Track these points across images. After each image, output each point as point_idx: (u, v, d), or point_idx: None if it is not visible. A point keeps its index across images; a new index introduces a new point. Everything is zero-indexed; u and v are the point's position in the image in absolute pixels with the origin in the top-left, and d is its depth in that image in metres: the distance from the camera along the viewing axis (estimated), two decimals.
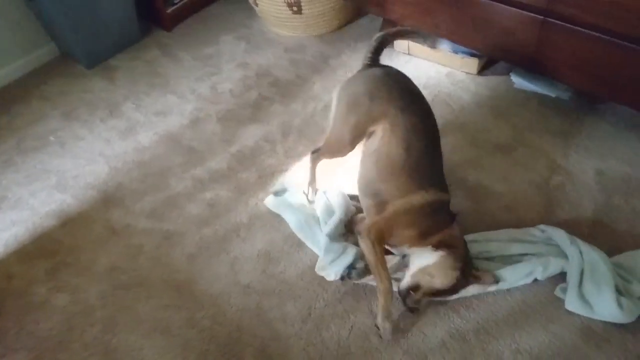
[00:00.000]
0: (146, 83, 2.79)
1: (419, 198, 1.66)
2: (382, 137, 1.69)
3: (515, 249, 1.84)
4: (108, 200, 2.19)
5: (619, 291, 1.69)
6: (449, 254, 1.65)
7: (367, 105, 1.73)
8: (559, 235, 1.82)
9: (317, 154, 1.98)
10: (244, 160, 2.31)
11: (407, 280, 1.68)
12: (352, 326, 1.72)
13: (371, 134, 1.75)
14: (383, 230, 1.68)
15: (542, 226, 1.88)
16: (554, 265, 1.77)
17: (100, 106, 2.67)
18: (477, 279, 1.73)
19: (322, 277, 1.85)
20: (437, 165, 1.74)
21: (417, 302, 1.69)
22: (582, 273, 1.73)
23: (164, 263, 1.96)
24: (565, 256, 1.79)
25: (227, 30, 3.10)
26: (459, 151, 2.23)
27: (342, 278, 1.80)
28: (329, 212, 1.97)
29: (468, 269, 1.69)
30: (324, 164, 2.03)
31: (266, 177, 2.22)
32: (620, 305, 1.65)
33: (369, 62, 1.88)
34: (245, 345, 1.70)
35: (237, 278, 1.89)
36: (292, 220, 2.01)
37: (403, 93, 1.74)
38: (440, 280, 1.65)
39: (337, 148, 1.86)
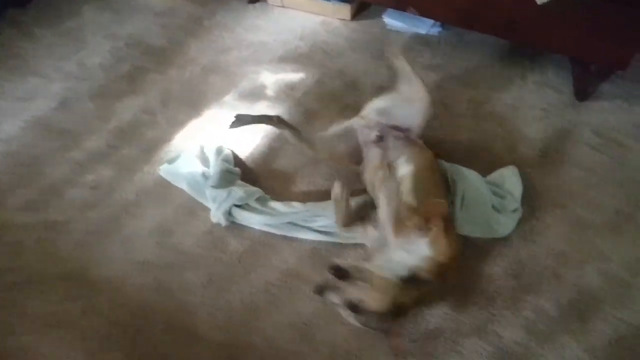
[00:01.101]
0: (4, 67, 2.53)
1: None
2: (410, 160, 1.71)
3: None
4: None
5: (495, 209, 1.83)
6: None
7: None
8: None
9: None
10: (124, 135, 2.19)
11: None
12: (253, 283, 1.74)
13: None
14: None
15: None
16: None
17: None
18: None
19: (220, 241, 1.84)
20: None
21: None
22: (463, 197, 1.85)
23: (50, 255, 1.84)
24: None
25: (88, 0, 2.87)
26: (340, 98, 2.26)
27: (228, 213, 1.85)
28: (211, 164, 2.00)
29: None
30: (203, 121, 2.07)
31: (150, 149, 2.13)
32: (498, 223, 1.80)
33: None
34: (150, 322, 1.67)
35: (132, 256, 1.83)
36: (186, 185, 1.97)
37: None
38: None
39: None
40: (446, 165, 1.92)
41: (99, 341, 1.64)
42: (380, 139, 1.80)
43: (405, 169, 1.70)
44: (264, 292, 1.72)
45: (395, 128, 1.81)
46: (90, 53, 2.56)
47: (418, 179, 1.67)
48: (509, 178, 1.94)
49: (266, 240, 1.83)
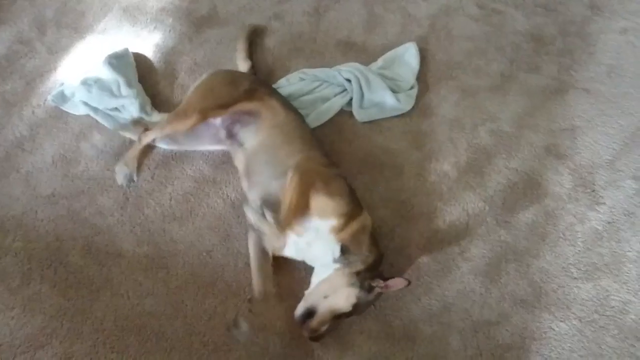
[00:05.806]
0: None
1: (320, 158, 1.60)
2: (264, 125, 1.65)
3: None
4: None
5: (393, 90, 1.92)
6: (343, 267, 1.45)
7: (245, 85, 1.71)
8: (325, 73, 1.96)
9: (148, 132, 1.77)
10: (2, 70, 2.02)
11: (300, 305, 1.45)
12: (170, 194, 1.74)
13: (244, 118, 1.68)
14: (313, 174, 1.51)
15: (305, 70, 1.98)
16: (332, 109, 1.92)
17: None
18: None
19: None
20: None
21: (316, 330, 1.43)
22: (361, 90, 1.91)
23: None
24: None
25: None
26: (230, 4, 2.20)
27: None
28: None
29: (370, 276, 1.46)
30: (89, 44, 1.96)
31: (34, 81, 1.98)
32: (398, 100, 1.89)
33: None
34: (68, 250, 1.64)
35: (37, 192, 1.75)
36: (82, 109, 1.89)
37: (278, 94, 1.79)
38: (337, 302, 1.42)
39: (183, 116, 1.69)
40: (329, 72, 1.95)
41: (19, 278, 1.60)
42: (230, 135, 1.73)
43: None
44: (183, 202, 1.73)
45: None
46: None
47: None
48: (403, 56, 2.01)
49: (178, 154, 1.81)
